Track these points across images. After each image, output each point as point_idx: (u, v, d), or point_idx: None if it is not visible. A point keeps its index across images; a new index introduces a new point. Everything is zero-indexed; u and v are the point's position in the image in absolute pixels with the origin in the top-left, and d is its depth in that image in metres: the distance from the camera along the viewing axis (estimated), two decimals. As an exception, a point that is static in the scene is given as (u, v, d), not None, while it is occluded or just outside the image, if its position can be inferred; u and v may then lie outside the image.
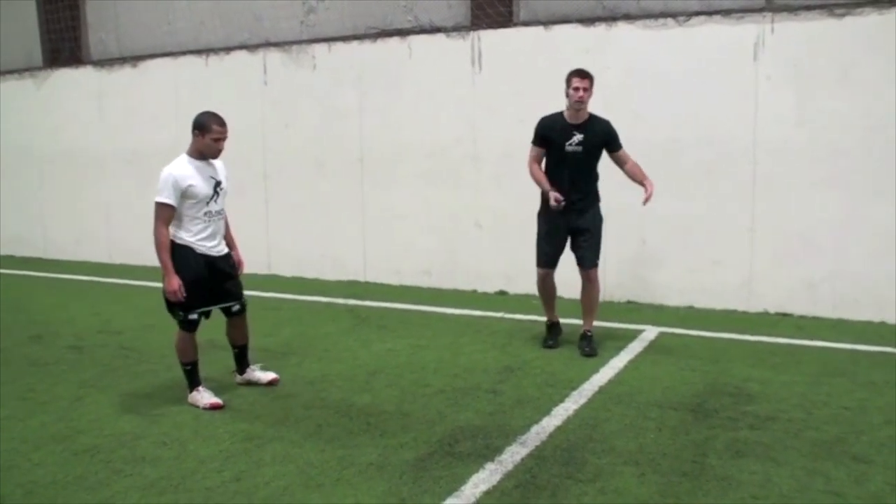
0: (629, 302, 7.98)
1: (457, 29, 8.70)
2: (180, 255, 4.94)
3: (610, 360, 5.95)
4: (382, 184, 9.26)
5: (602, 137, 6.06)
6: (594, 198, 6.22)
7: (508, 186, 8.41)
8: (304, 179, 9.72)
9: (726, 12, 7.39)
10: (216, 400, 5.04)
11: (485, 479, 3.88)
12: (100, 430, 4.64)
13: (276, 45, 9.79)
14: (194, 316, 5.05)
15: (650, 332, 6.80)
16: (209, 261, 5.07)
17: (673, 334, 6.69)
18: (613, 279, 8.04)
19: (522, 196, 8.36)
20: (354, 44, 9.26)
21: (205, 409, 4.99)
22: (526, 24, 8.39)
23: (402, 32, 8.99)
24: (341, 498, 3.69)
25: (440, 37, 8.76)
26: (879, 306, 7.04)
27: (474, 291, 8.74)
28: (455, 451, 4.24)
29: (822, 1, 7.09)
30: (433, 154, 8.82)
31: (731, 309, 7.58)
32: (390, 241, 9.29)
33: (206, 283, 5.06)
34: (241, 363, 5.54)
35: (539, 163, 6.21)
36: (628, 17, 7.82)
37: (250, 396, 5.23)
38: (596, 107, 7.85)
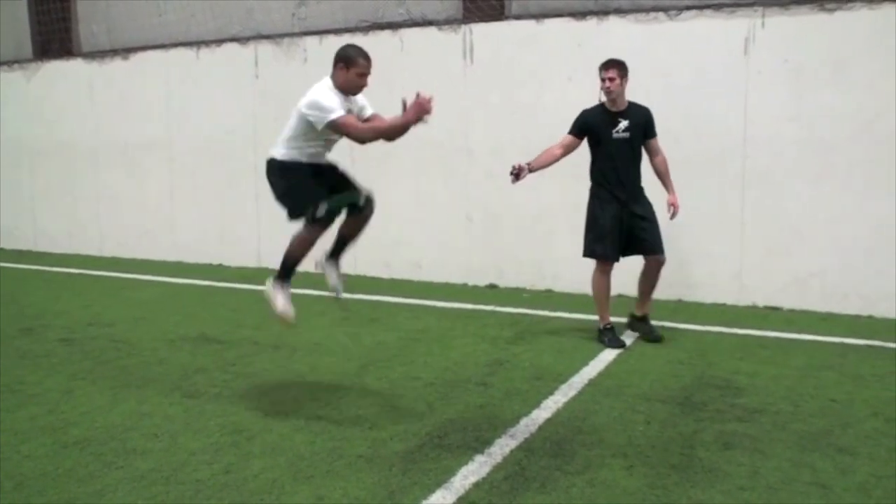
0: (619, 295, 7.95)
1: (448, 22, 8.70)
2: (288, 166, 4.77)
3: (599, 353, 5.97)
4: (373, 177, 9.17)
5: (644, 122, 6.16)
6: (642, 186, 6.27)
7: (500, 180, 8.40)
8: (295, 172, 9.70)
9: (717, 7, 7.41)
10: (291, 312, 4.81)
11: (474, 470, 3.89)
12: (90, 422, 4.64)
13: (268, 37, 9.77)
14: (322, 211, 4.71)
15: (640, 326, 6.82)
16: (319, 164, 4.85)
17: (662, 327, 6.69)
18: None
19: (514, 190, 8.38)
20: (346, 37, 9.22)
21: (275, 309, 4.79)
22: (517, 17, 8.39)
23: (394, 26, 8.98)
24: (330, 490, 3.70)
25: (432, 30, 8.76)
26: (868, 300, 7.08)
27: (465, 285, 8.75)
28: (445, 443, 4.26)
29: (813, -4, 7.12)
30: (424, 147, 8.82)
31: (720, 302, 7.61)
32: (381, 234, 9.26)
33: (323, 178, 4.80)
34: (338, 251, 5.20)
35: (563, 148, 6.20)
36: (620, 11, 7.83)
37: (240, 389, 5.24)
38: (588, 101, 7.88)
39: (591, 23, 7.93)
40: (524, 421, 4.58)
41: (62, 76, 11.40)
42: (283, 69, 9.62)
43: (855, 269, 7.12)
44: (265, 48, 9.77)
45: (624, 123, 6.09)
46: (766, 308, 7.44)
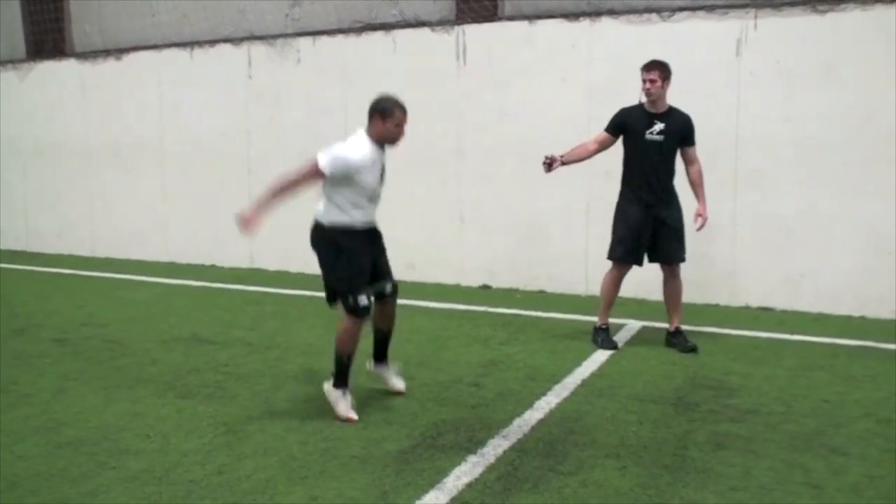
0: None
1: (441, 23, 8.71)
2: (349, 237, 4.68)
3: (592, 354, 5.98)
4: (367, 178, 9.26)
5: (682, 129, 6.04)
6: (674, 192, 6.14)
7: (493, 181, 8.43)
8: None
9: (710, 8, 7.43)
10: (353, 415, 4.67)
11: (467, 471, 3.90)
12: (83, 422, 4.63)
13: (261, 38, 9.77)
14: (365, 301, 4.75)
15: (633, 326, 6.84)
16: (370, 233, 4.83)
17: (655, 328, 6.71)
18: (597, 273, 8.06)
19: (506, 190, 8.39)
20: (339, 37, 9.25)
21: (339, 418, 4.66)
22: (510, 18, 8.41)
23: (387, 27, 8.98)
24: (324, 490, 3.70)
25: (425, 31, 8.77)
26: (860, 301, 7.11)
27: (458, 285, 8.76)
28: (438, 443, 4.26)
29: (805, -3, 7.15)
30: (417, 148, 8.80)
31: (713, 303, 7.63)
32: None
33: (370, 260, 4.80)
34: (382, 351, 5.20)
35: (598, 144, 6.13)
36: (612, 12, 7.84)
37: (232, 390, 5.23)
38: (581, 101, 7.91)
39: (584, 24, 7.94)
40: (517, 421, 4.58)
41: (55, 76, 11.37)
42: (276, 70, 9.62)
43: (847, 269, 7.15)
44: (258, 49, 9.76)
45: (659, 126, 5.97)
46: (759, 309, 7.46)
